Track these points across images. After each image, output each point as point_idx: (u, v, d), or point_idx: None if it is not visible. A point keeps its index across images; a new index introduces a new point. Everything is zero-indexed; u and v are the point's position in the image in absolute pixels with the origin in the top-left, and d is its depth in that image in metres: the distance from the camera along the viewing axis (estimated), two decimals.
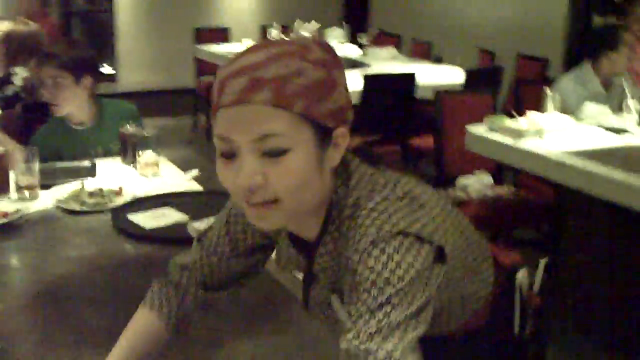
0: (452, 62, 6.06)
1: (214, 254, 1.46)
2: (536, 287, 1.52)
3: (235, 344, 1.65)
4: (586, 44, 4.37)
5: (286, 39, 1.15)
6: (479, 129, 3.73)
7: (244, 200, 1.17)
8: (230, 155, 1.15)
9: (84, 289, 1.91)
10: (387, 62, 6.18)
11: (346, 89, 1.21)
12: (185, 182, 2.66)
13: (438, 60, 6.14)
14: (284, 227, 1.33)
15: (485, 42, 6.59)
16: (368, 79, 4.71)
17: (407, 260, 1.15)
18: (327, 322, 1.41)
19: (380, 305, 1.13)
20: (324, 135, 1.17)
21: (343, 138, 1.20)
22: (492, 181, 3.96)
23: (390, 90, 4.83)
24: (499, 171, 4.12)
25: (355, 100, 4.70)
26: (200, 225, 2.15)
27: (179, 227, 2.20)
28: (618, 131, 3.64)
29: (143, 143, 2.70)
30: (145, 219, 2.25)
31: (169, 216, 2.28)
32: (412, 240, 1.16)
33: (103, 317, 1.73)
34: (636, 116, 3.74)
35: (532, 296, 1.51)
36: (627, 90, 3.96)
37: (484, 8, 7.47)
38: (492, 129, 3.66)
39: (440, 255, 1.20)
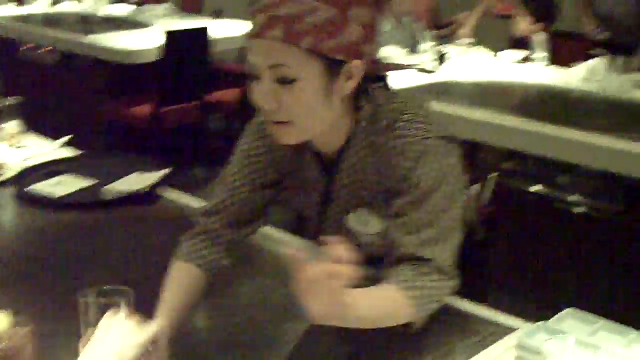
0: (234, 15, 6.14)
1: (238, 192, 1.55)
2: (485, 199, 1.78)
3: None
4: None
5: None
6: None
7: (267, 118, 1.37)
8: (255, 78, 1.33)
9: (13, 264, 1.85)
10: (167, 19, 6.13)
11: (363, 26, 1.34)
12: (57, 149, 2.61)
13: (217, 14, 6.18)
14: (308, 140, 1.45)
15: None
16: (169, 36, 4.69)
17: (451, 162, 1.41)
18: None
19: (435, 214, 1.36)
20: (334, 68, 1.32)
21: (357, 70, 1.35)
22: None
23: (185, 48, 4.84)
24: None
25: (153, 59, 4.73)
26: (115, 186, 2.18)
27: (87, 191, 2.21)
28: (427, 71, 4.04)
29: (6, 113, 2.60)
30: (51, 188, 2.20)
31: (72, 183, 2.25)
32: (445, 143, 1.41)
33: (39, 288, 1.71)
34: (432, 56, 4.16)
35: (482, 208, 1.78)
36: (417, 32, 4.39)
37: None
38: None
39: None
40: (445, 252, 1.38)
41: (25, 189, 2.20)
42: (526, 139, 3.04)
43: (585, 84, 3.82)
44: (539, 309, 1.65)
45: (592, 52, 4.04)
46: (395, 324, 1.34)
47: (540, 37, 4.19)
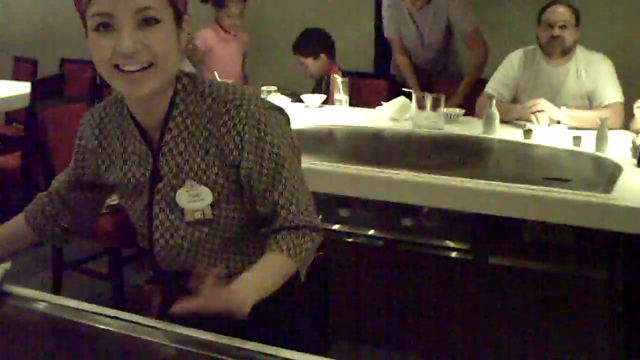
0: None
1: (64, 187, 1.76)
2: None
3: None
4: None
5: None
6: None
7: (118, 70, 1.41)
8: (107, 27, 1.39)
9: None
10: None
11: None
12: None
13: None
14: (137, 104, 1.54)
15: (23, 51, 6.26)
16: None
17: (288, 128, 1.60)
18: (169, 224, 1.60)
19: (298, 179, 1.57)
20: (178, 16, 1.46)
21: (187, 23, 1.50)
22: None
23: None
24: None
25: None
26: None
27: None
28: None
29: None
30: None
31: None
32: (279, 113, 1.59)
33: None
34: None
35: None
36: None
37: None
38: None
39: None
40: (313, 211, 1.59)
41: None
42: (363, 185, 2.99)
43: (394, 123, 3.88)
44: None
45: (405, 90, 4.10)
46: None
47: (339, 79, 4.19)
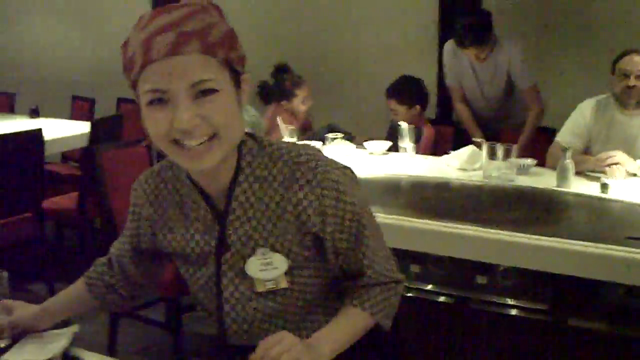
0: (48, 114, 5.69)
1: (121, 255, 1.71)
2: None
3: None
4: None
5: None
6: None
7: (179, 148, 1.33)
8: (161, 102, 1.30)
9: None
10: None
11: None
12: None
13: (35, 112, 5.65)
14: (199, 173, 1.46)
15: (80, 90, 6.29)
16: None
17: (357, 187, 1.51)
18: (239, 296, 1.51)
19: (377, 236, 1.55)
20: (237, 79, 1.38)
21: (246, 83, 1.42)
22: None
23: (17, 152, 4.30)
24: None
25: None
26: (13, 356, 1.70)
27: None
28: None
29: None
30: None
31: None
32: (350, 172, 1.52)
33: None
34: None
35: None
36: None
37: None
38: None
39: None
40: (395, 264, 1.59)
41: None
42: (432, 240, 2.86)
43: (462, 173, 3.75)
44: None
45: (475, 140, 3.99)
46: None
47: (405, 125, 4.08)
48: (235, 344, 1.59)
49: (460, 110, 4.71)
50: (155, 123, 1.33)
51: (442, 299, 2.98)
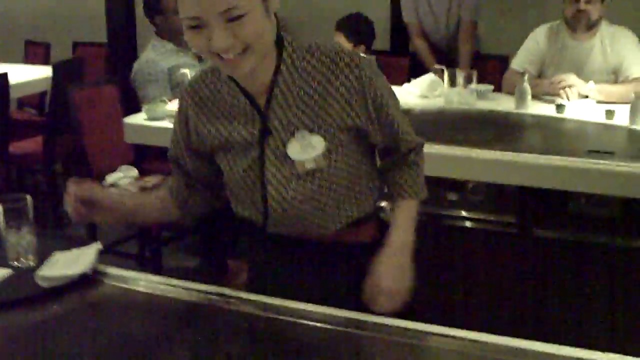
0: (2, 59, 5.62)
1: (181, 155, 1.79)
2: None
3: None
4: None
5: None
6: (136, 119, 3.64)
7: (219, 58, 1.50)
8: (198, 27, 1.47)
9: None
10: None
11: None
12: None
13: None
14: (249, 73, 1.56)
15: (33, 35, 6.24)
16: None
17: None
18: (281, 177, 1.64)
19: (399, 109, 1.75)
20: None
21: None
22: (137, 173, 3.90)
23: None
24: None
25: None
26: (48, 272, 1.81)
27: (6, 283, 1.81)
28: None
29: None
30: None
31: None
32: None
33: None
34: None
35: None
36: None
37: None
38: (153, 118, 3.58)
39: None
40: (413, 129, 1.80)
41: None
42: None
43: (424, 100, 3.91)
44: None
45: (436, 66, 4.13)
46: None
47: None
48: (274, 232, 1.73)
49: (419, 45, 4.87)
50: (196, 44, 1.51)
51: None
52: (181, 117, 1.76)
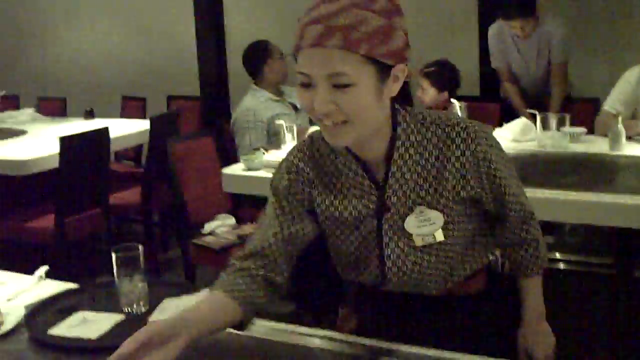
0: (100, 115, 5.87)
1: (271, 238, 1.66)
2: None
3: None
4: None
5: None
6: (234, 170, 3.75)
7: (321, 122, 1.51)
8: (307, 86, 1.48)
9: None
10: (33, 124, 5.75)
11: (405, 33, 1.51)
12: (37, 282, 2.23)
13: (90, 114, 5.83)
14: (353, 144, 1.57)
15: (129, 90, 6.51)
16: (64, 141, 4.31)
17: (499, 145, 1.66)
18: (399, 252, 1.65)
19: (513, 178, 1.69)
20: (384, 71, 1.48)
21: (402, 72, 1.52)
22: (234, 222, 4.00)
23: (87, 151, 4.48)
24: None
25: (51, 167, 4.34)
26: (161, 316, 1.89)
27: (123, 327, 1.89)
28: None
29: None
30: (79, 330, 1.87)
31: (98, 320, 1.93)
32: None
33: None
34: None
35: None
36: None
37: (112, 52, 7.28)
38: (251, 168, 3.67)
39: None
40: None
41: (49, 334, 1.86)
42: None
43: (516, 144, 3.90)
44: None
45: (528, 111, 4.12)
46: None
47: (456, 105, 4.22)
48: (387, 290, 1.76)
49: (508, 87, 4.87)
50: (303, 101, 1.52)
51: None
52: (291, 182, 1.69)
